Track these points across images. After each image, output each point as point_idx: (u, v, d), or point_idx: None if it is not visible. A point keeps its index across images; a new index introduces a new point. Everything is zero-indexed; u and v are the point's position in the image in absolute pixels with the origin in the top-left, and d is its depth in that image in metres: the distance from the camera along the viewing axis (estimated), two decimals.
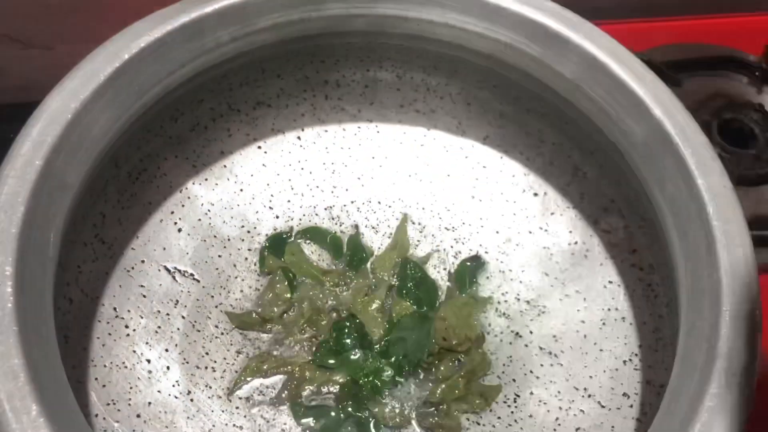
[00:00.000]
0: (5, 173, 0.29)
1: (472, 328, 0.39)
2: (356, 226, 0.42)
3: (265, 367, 0.37)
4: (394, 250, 0.41)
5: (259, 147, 0.43)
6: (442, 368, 0.38)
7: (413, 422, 0.37)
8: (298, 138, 0.44)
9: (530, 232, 0.42)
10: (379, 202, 0.43)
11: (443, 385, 0.37)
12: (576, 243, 0.41)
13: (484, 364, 0.38)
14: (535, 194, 0.42)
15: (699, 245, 0.31)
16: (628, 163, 0.36)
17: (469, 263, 0.41)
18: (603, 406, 0.37)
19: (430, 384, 0.37)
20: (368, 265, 0.41)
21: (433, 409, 0.37)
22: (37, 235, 0.28)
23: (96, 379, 0.35)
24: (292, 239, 0.42)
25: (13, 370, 0.25)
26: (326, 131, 0.44)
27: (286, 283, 0.39)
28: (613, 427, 0.36)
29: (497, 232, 0.42)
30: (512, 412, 0.37)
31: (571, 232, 0.41)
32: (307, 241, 0.42)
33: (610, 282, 0.40)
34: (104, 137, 0.33)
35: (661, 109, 0.34)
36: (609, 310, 0.39)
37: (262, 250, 0.41)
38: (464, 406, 0.37)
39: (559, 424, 0.36)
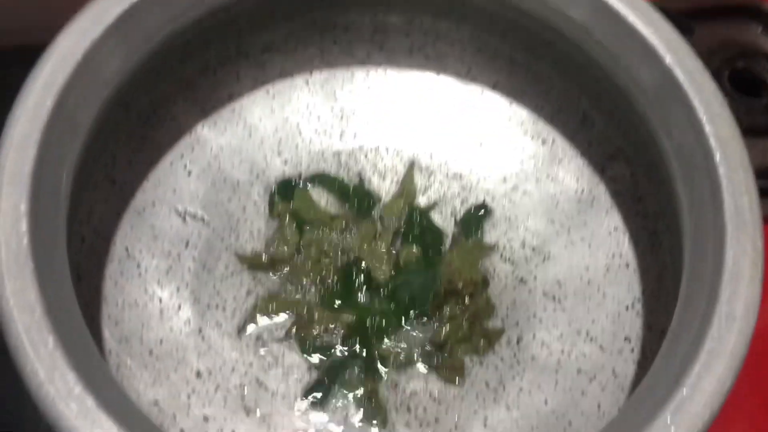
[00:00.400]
0: (17, 113, 0.29)
1: (477, 273, 0.39)
2: (360, 176, 0.42)
3: (273, 307, 0.38)
4: (401, 197, 0.42)
5: (267, 91, 0.43)
6: (447, 311, 0.38)
7: (418, 361, 0.37)
8: (306, 82, 0.44)
9: (537, 180, 0.42)
10: (387, 149, 0.43)
11: (447, 326, 0.38)
12: (582, 191, 0.41)
13: (488, 308, 0.39)
14: (543, 142, 0.43)
15: (704, 192, 0.31)
16: (637, 109, 0.36)
17: (475, 211, 0.42)
18: (604, 350, 0.37)
19: (435, 326, 0.38)
20: (375, 212, 0.41)
21: (437, 349, 0.38)
22: (49, 174, 0.29)
23: (108, 316, 0.36)
24: (301, 184, 0.42)
25: (29, 304, 0.26)
26: (334, 76, 0.44)
27: (295, 226, 0.40)
28: (613, 369, 0.37)
29: (504, 180, 0.42)
30: (515, 354, 0.38)
31: (578, 179, 0.42)
32: (315, 187, 0.42)
33: (615, 229, 0.40)
34: (114, 79, 0.33)
35: (672, 55, 0.34)
36: (613, 256, 0.40)
37: (271, 195, 0.41)
38: (468, 347, 0.38)
39: (561, 366, 0.37)
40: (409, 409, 0.36)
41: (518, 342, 0.38)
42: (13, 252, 0.26)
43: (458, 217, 0.42)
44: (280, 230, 0.40)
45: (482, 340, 0.38)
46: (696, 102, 0.33)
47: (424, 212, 0.41)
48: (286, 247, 0.40)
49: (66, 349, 0.25)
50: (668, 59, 0.34)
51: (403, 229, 0.41)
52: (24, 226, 0.27)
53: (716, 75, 0.47)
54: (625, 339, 0.37)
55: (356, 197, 0.42)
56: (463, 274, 0.39)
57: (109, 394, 0.26)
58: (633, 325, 0.38)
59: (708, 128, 0.32)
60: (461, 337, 0.37)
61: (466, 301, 0.39)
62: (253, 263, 0.39)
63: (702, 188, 0.32)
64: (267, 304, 0.38)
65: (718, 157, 0.31)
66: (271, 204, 0.41)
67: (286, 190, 0.41)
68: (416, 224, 0.41)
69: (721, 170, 0.31)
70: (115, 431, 0.25)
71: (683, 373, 0.27)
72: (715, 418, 0.27)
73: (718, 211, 0.30)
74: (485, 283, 0.39)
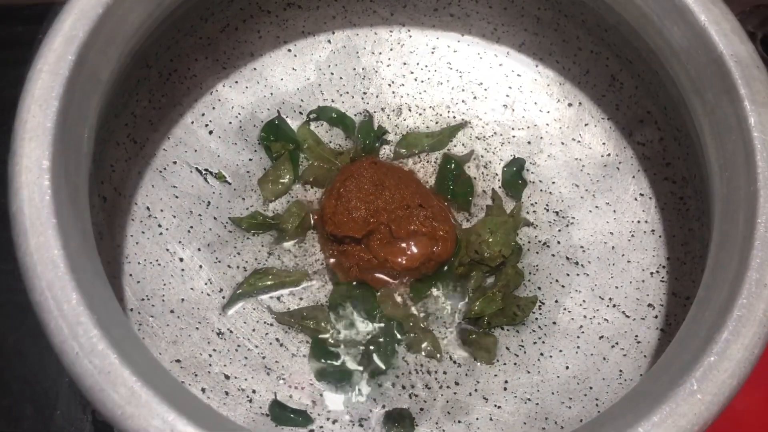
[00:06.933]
0: (38, 67, 0.29)
1: (507, 246, 0.38)
2: (368, 113, 0.42)
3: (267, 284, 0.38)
4: (430, 137, 0.41)
5: (289, 50, 0.42)
6: (472, 280, 0.38)
7: (453, 339, 0.37)
8: (329, 41, 0.43)
9: (563, 143, 0.41)
10: (410, 109, 0.43)
11: (480, 300, 0.37)
12: (609, 155, 0.41)
13: (518, 277, 0.38)
14: (570, 104, 0.42)
15: (737, 156, 0.30)
16: (668, 71, 0.35)
17: (514, 168, 0.41)
18: (627, 316, 0.37)
19: (461, 294, 0.38)
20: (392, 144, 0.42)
21: (472, 323, 0.37)
22: (71, 130, 0.29)
23: (130, 275, 0.36)
24: (304, 121, 0.42)
25: (53, 260, 0.26)
26: (357, 35, 0.43)
27: (291, 164, 0.40)
28: (636, 336, 0.36)
29: (529, 143, 0.42)
30: (536, 319, 0.38)
31: (604, 143, 0.41)
32: (319, 123, 0.42)
33: (642, 194, 0.39)
34: (135, 33, 0.32)
35: (707, 15, 0.33)
36: (639, 222, 0.39)
37: (261, 139, 0.41)
38: (504, 319, 0.37)
39: (583, 332, 0.37)
40: (429, 372, 0.36)
41: (540, 307, 0.38)
42: (36, 207, 0.26)
43: (478, 178, 0.41)
44: (275, 167, 0.40)
45: (517, 311, 0.37)
46: (730, 63, 0.32)
47: (458, 163, 0.41)
48: (279, 184, 0.39)
49: (89, 306, 0.25)
50: (702, 18, 0.33)
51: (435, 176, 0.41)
52: (46, 182, 0.27)
53: (749, 38, 0.46)
54: (649, 305, 0.37)
55: (360, 136, 0.41)
56: (492, 247, 0.38)
57: (132, 351, 0.26)
58: (657, 291, 0.37)
59: (743, 91, 0.31)
60: (496, 310, 0.37)
61: (491, 270, 0.38)
62: (250, 223, 0.39)
63: (735, 152, 0.31)
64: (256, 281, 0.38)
65: (752, 120, 0.30)
66: (268, 149, 0.40)
67: (273, 131, 0.41)
68: (449, 173, 0.40)
69: (756, 134, 0.30)
70: (138, 388, 0.25)
71: (711, 339, 0.27)
72: (742, 386, 0.26)
73: (750, 175, 0.29)
74: (517, 254, 0.39)
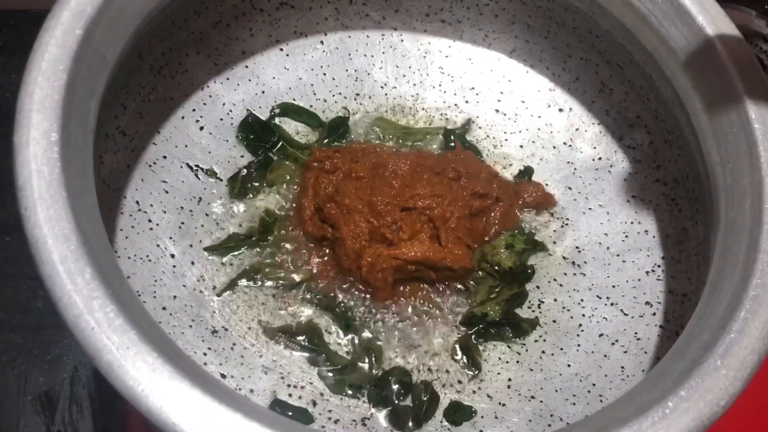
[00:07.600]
0: (45, 41, 0.28)
1: (518, 264, 0.38)
2: (346, 109, 0.42)
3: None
4: (410, 131, 0.42)
5: (281, 49, 0.42)
6: (479, 285, 0.38)
7: (456, 339, 0.37)
8: (321, 43, 0.43)
9: (554, 147, 0.42)
10: (403, 111, 0.42)
11: (482, 301, 0.37)
12: (600, 158, 0.41)
13: (522, 297, 0.38)
14: (561, 110, 0.42)
15: (739, 148, 0.31)
16: (664, 72, 0.36)
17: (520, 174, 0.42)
18: (626, 314, 0.37)
19: (465, 296, 0.38)
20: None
21: (474, 325, 0.37)
22: (79, 104, 0.27)
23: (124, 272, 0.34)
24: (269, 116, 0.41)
25: (65, 234, 0.24)
26: (349, 37, 0.43)
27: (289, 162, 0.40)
28: (636, 333, 0.36)
29: (521, 147, 0.42)
30: (537, 317, 0.37)
31: (595, 147, 0.41)
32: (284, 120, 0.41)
33: (634, 196, 0.40)
34: (141, 13, 0.31)
35: (705, 15, 0.34)
36: (632, 223, 0.39)
37: (240, 139, 0.40)
38: (501, 333, 0.37)
39: (583, 330, 0.37)
40: (431, 371, 0.36)
41: (539, 305, 0.38)
42: (46, 180, 0.25)
43: None
44: (277, 164, 0.39)
45: (515, 329, 0.37)
46: (729, 60, 0.33)
47: (460, 134, 0.41)
48: (284, 179, 0.39)
49: (104, 280, 0.24)
50: (701, 19, 0.34)
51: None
52: (56, 154, 0.25)
53: None
54: (647, 303, 0.37)
55: (332, 126, 0.41)
56: (503, 262, 0.38)
57: (148, 328, 0.24)
58: (654, 289, 0.37)
59: (741, 86, 0.32)
60: (496, 318, 0.37)
61: (499, 283, 0.38)
62: (226, 248, 0.37)
63: (737, 145, 0.32)
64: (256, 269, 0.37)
65: (753, 114, 0.31)
66: (251, 146, 0.40)
67: (247, 129, 0.40)
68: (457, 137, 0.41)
69: (756, 126, 0.31)
70: (160, 365, 0.23)
71: (729, 317, 0.27)
72: (762, 363, 0.27)
73: (754, 164, 0.31)
74: (531, 274, 0.39)
